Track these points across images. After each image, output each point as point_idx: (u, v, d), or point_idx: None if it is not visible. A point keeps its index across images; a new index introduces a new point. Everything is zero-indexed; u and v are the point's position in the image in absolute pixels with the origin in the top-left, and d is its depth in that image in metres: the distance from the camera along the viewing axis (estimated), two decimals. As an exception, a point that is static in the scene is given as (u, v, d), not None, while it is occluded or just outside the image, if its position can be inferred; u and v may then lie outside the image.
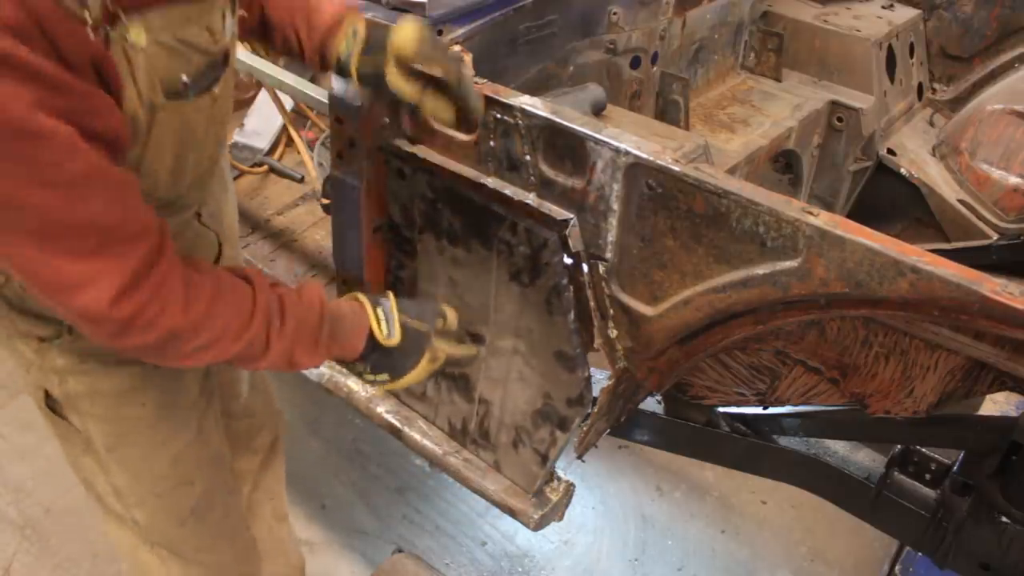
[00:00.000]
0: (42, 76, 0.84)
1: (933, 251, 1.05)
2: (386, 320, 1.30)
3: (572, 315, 1.38)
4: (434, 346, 1.35)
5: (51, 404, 1.32)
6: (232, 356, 1.12)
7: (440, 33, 1.49)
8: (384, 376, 1.33)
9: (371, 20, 1.34)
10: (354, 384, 1.83)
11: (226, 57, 1.15)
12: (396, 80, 1.28)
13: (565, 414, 1.51)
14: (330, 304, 1.25)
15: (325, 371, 1.83)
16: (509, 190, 1.38)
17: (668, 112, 2.03)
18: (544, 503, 1.60)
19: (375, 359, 1.31)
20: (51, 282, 0.95)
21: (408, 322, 1.32)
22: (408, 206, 1.56)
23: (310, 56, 1.35)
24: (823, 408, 1.60)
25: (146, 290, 0.97)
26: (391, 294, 1.36)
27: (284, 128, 2.55)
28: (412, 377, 1.34)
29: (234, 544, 1.61)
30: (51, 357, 1.24)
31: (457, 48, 1.48)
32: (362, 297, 1.32)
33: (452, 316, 1.42)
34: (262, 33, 1.37)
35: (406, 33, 1.25)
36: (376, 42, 1.29)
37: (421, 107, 1.30)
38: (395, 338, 1.29)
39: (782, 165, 2.27)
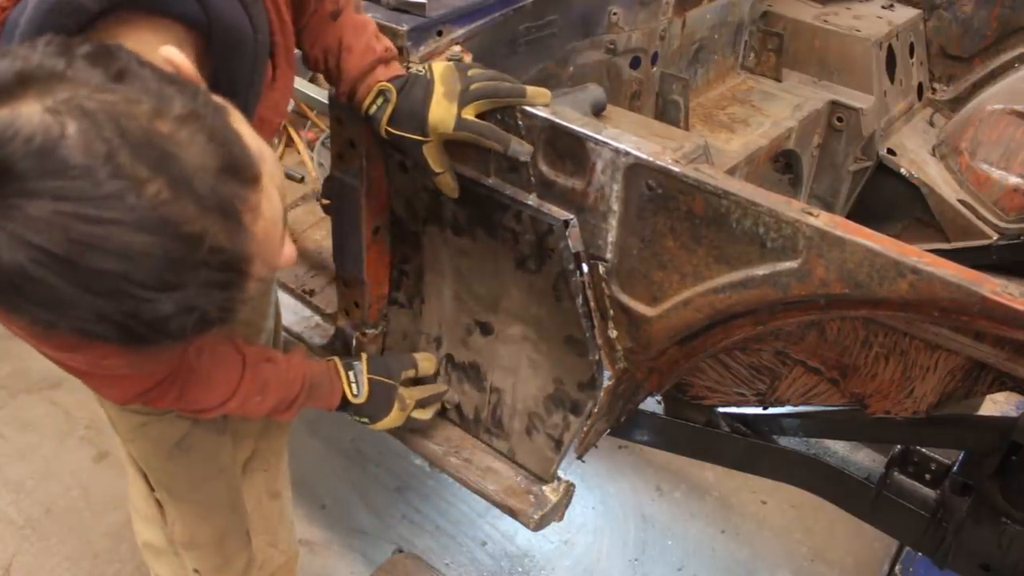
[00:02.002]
0: None
1: (933, 251, 1.05)
2: (355, 382, 1.54)
3: (580, 299, 1.38)
4: (401, 396, 1.58)
5: None
6: (219, 414, 1.40)
7: (440, 33, 1.49)
8: (365, 419, 1.58)
9: (401, 79, 1.32)
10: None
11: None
12: (431, 153, 1.34)
13: (577, 398, 1.51)
14: (309, 373, 1.49)
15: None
16: (509, 191, 1.38)
17: (668, 112, 2.03)
18: (544, 503, 1.60)
19: (351, 411, 1.57)
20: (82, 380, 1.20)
21: (375, 380, 1.56)
22: (411, 199, 1.56)
23: (343, 101, 1.42)
24: (823, 408, 1.60)
25: (149, 399, 1.24)
26: (364, 356, 1.59)
27: (284, 128, 2.55)
28: (387, 423, 1.58)
29: (225, 487, 1.65)
30: None
31: (457, 48, 1.48)
32: (338, 362, 1.56)
33: (426, 364, 1.65)
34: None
35: (443, 113, 1.28)
36: (408, 112, 1.30)
37: (441, 180, 1.38)
38: (362, 397, 1.54)
39: (782, 165, 2.27)
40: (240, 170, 0.79)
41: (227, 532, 1.69)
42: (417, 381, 1.66)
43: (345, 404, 1.56)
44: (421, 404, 1.62)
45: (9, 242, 0.70)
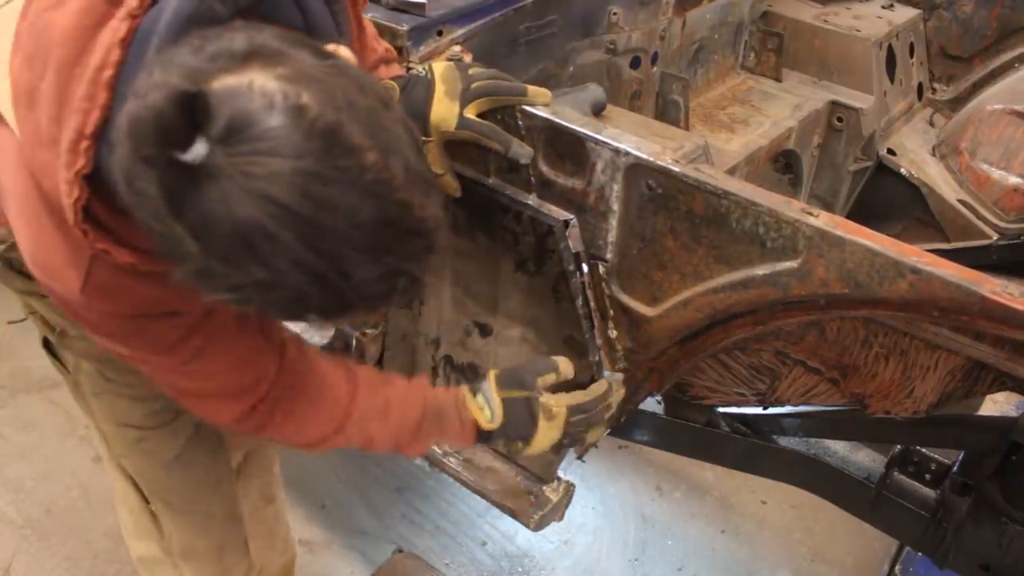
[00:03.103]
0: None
1: (933, 251, 1.05)
2: (487, 404, 1.34)
3: (580, 300, 1.38)
4: (546, 406, 1.34)
5: (47, 344, 1.42)
6: (335, 446, 1.29)
7: (440, 33, 1.49)
8: (519, 444, 1.37)
9: (403, 79, 1.32)
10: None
11: None
12: (432, 153, 1.32)
13: None
14: (432, 397, 1.33)
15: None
16: (509, 191, 1.38)
17: (668, 112, 2.03)
18: (544, 503, 1.60)
19: (495, 438, 1.36)
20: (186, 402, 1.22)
21: (508, 397, 1.34)
22: None
23: None
24: (823, 408, 1.60)
25: (260, 415, 1.19)
26: (492, 374, 1.37)
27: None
28: (540, 440, 1.36)
29: (223, 497, 1.63)
30: (50, 305, 1.31)
31: (457, 48, 1.48)
32: (464, 389, 1.36)
33: (566, 367, 1.40)
34: None
35: (444, 111, 1.27)
36: (409, 112, 1.27)
37: (443, 181, 1.35)
38: (496, 420, 1.33)
39: (782, 165, 2.27)
40: (421, 147, 0.86)
41: (225, 542, 1.67)
42: (571, 387, 1.42)
43: (484, 435, 1.36)
44: (581, 412, 1.38)
45: (247, 197, 0.74)
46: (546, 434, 1.35)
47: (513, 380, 1.36)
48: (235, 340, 1.14)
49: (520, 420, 1.34)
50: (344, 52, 0.89)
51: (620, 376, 1.42)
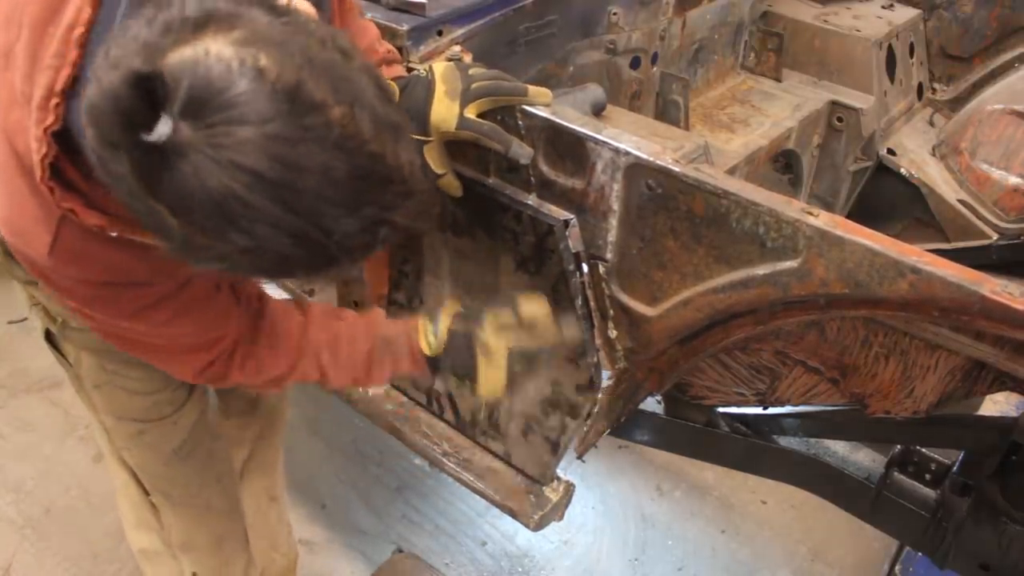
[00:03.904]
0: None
1: (933, 251, 1.05)
2: (434, 333, 1.33)
3: (580, 301, 1.38)
4: (484, 343, 1.31)
5: (49, 336, 1.42)
6: (292, 382, 1.32)
7: (440, 33, 1.49)
8: (462, 381, 1.37)
9: (403, 80, 1.32)
10: (354, 384, 1.84)
11: None
12: (433, 154, 1.31)
13: (575, 401, 1.51)
14: (382, 328, 1.34)
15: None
16: (509, 191, 1.38)
17: (668, 112, 2.03)
18: (544, 503, 1.60)
19: (443, 370, 1.35)
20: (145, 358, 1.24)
21: (455, 328, 1.32)
22: None
23: None
24: (823, 408, 1.60)
25: (219, 366, 1.22)
26: (451, 303, 1.37)
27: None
28: (484, 382, 1.33)
29: (222, 490, 1.64)
30: (52, 296, 1.31)
31: (457, 48, 1.48)
32: (421, 316, 1.36)
33: (528, 308, 1.31)
34: None
35: (445, 111, 1.26)
36: (409, 112, 1.29)
37: (444, 182, 1.34)
38: (437, 349, 1.32)
39: (782, 165, 2.27)
40: (389, 95, 0.85)
41: (225, 535, 1.68)
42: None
43: (431, 362, 1.34)
44: (525, 357, 1.34)
45: (217, 168, 0.74)
46: (488, 374, 1.32)
47: (468, 314, 1.33)
48: (205, 305, 1.16)
49: (460, 354, 1.32)
50: (301, 4, 0.88)
51: (575, 320, 1.36)
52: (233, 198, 0.75)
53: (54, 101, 0.91)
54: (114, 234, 0.99)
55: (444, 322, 1.33)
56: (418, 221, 0.90)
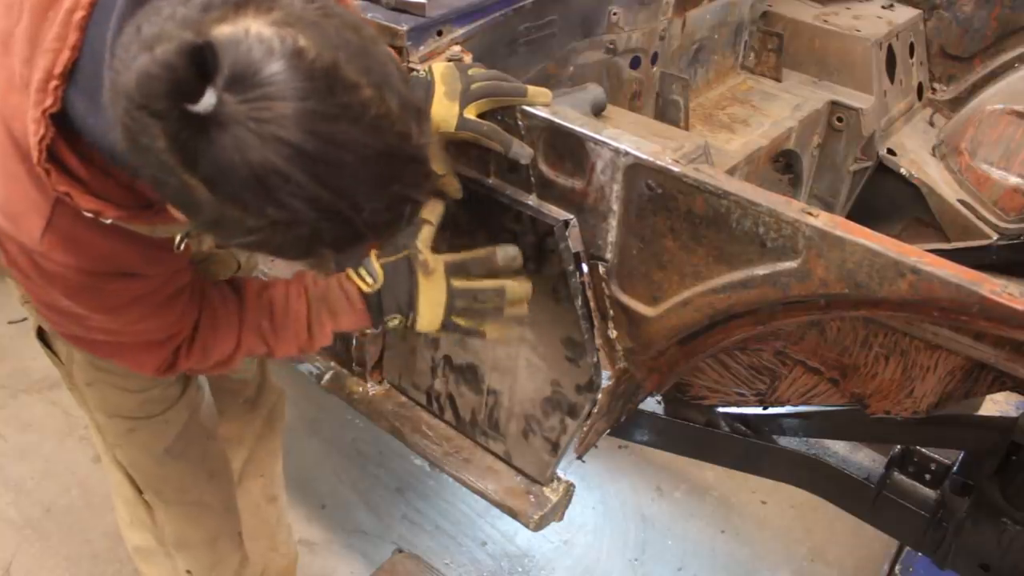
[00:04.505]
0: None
1: (933, 251, 1.05)
2: (368, 272, 1.31)
3: (580, 301, 1.38)
4: (423, 260, 1.31)
5: (41, 334, 1.43)
6: (240, 360, 1.33)
7: (440, 33, 1.49)
8: (398, 317, 1.33)
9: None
10: (354, 384, 1.84)
11: None
12: (433, 155, 1.31)
13: (575, 401, 1.51)
14: (311, 287, 1.32)
15: (325, 369, 1.83)
16: (509, 191, 1.38)
17: (668, 112, 2.02)
18: (544, 503, 1.60)
19: (385, 308, 1.33)
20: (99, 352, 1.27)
21: (387, 260, 1.31)
22: None
23: None
24: (823, 408, 1.60)
25: (180, 363, 1.26)
26: (372, 252, 1.33)
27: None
28: (426, 305, 1.31)
29: (216, 489, 1.64)
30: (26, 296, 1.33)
31: (457, 48, 1.48)
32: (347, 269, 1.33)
33: (432, 209, 1.34)
34: None
35: (444, 112, 1.27)
36: None
37: (444, 182, 1.34)
38: (377, 282, 1.31)
39: (782, 165, 2.27)
40: (408, 78, 0.89)
41: (219, 533, 1.69)
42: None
43: (371, 305, 1.33)
44: (462, 270, 1.33)
45: (259, 141, 0.76)
46: (429, 295, 1.31)
47: (391, 248, 1.32)
48: (173, 303, 1.18)
49: (401, 279, 1.31)
50: None
51: (514, 250, 1.34)
52: (273, 171, 0.77)
53: (53, 83, 0.91)
54: (109, 221, 0.99)
55: (375, 261, 1.32)
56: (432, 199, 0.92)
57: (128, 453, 1.54)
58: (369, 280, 1.31)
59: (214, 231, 0.85)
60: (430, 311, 1.32)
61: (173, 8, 0.78)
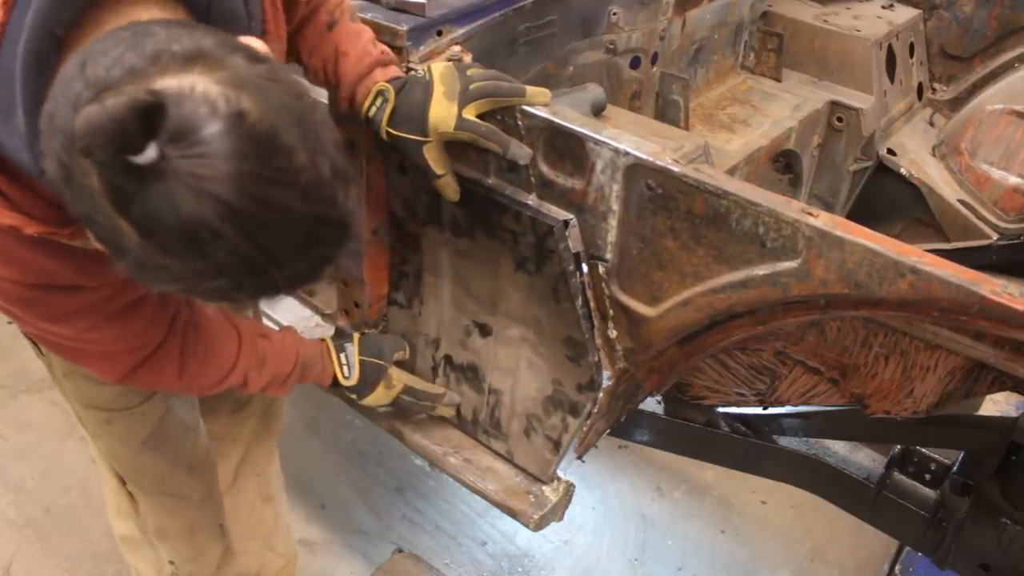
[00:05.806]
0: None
1: (933, 251, 1.05)
2: (347, 364, 1.59)
3: (580, 300, 1.38)
4: (389, 376, 1.63)
5: None
6: (221, 389, 1.43)
7: (440, 33, 1.49)
8: (354, 395, 1.63)
9: (400, 80, 1.33)
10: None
11: None
12: (432, 154, 1.33)
13: (576, 399, 1.51)
14: (302, 352, 1.53)
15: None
16: (509, 191, 1.38)
17: (668, 112, 2.02)
18: (544, 503, 1.60)
19: (346, 389, 1.62)
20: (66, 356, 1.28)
21: (366, 361, 1.60)
22: (410, 200, 1.56)
23: (344, 108, 1.41)
24: (823, 408, 1.60)
25: (144, 375, 1.28)
26: (356, 336, 1.63)
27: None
28: (371, 399, 1.63)
29: (194, 481, 1.65)
30: None
31: (457, 48, 1.48)
32: (329, 343, 1.60)
33: (405, 350, 1.70)
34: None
35: (443, 112, 1.28)
36: (407, 113, 1.31)
37: (443, 182, 1.37)
38: (353, 379, 1.60)
39: (782, 165, 2.27)
40: (340, 143, 0.90)
41: (197, 525, 1.70)
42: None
43: (335, 385, 1.61)
44: (411, 394, 1.66)
45: (194, 196, 0.77)
46: (379, 397, 1.63)
47: (373, 349, 1.62)
48: (133, 314, 1.19)
49: (370, 379, 1.61)
50: (256, 44, 0.90)
51: (457, 398, 1.71)
52: (205, 226, 0.78)
53: None
54: (31, 232, 0.99)
55: (356, 356, 1.60)
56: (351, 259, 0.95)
57: (107, 444, 1.56)
58: (346, 372, 1.59)
59: (137, 273, 0.86)
60: (371, 403, 1.65)
61: (120, 52, 0.79)
